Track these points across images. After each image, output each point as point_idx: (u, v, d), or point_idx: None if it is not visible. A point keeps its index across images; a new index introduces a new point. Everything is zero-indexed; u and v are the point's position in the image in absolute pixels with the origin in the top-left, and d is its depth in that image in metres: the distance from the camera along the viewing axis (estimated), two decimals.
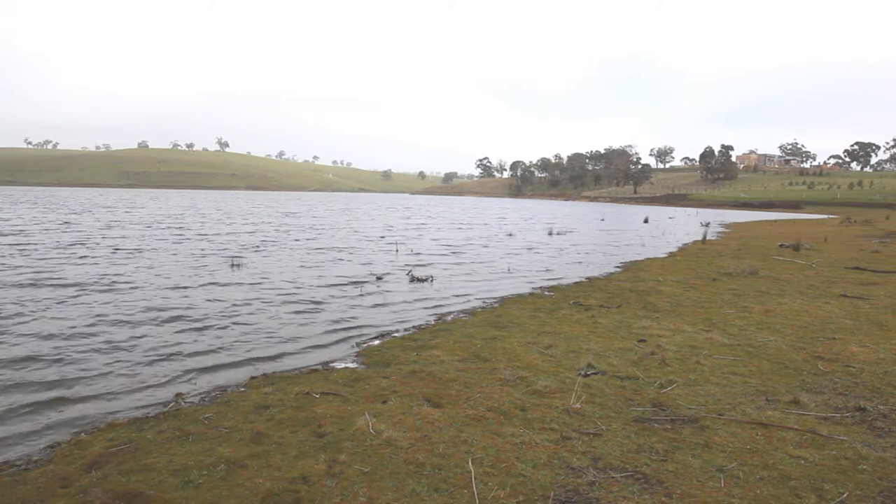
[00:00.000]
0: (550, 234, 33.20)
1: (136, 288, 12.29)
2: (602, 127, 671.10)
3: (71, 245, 19.95)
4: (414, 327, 9.55)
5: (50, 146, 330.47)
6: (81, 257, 16.83)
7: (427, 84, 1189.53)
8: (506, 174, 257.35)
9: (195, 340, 8.43)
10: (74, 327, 8.90)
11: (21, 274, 13.54)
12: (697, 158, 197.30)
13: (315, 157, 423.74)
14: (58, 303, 10.56)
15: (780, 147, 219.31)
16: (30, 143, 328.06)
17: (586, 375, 6.57)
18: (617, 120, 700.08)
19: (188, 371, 7.10)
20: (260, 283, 13.39)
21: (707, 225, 44.12)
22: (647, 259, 20.73)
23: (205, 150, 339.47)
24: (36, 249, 18.30)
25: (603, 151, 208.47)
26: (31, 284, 12.27)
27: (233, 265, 15.99)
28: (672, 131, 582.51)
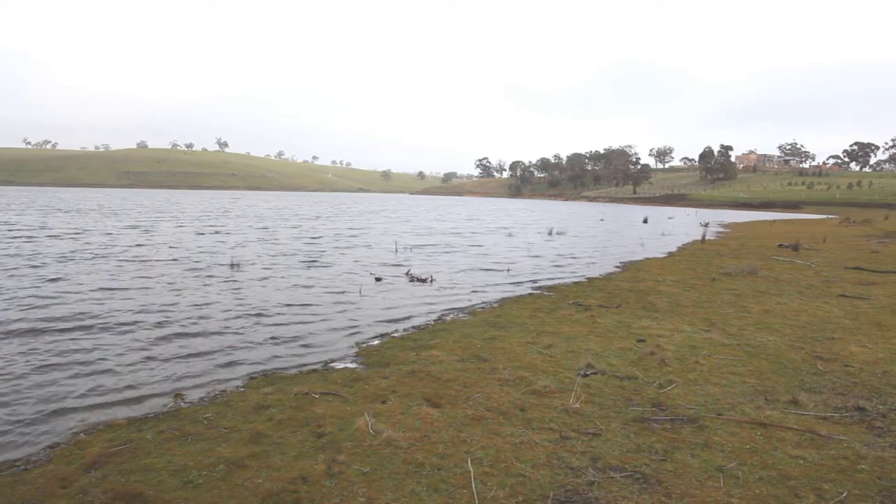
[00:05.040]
0: (550, 233, 33.19)
1: (136, 288, 12.29)
2: (603, 127, 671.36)
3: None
4: (413, 327, 9.55)
5: (49, 146, 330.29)
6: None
7: (426, 84, 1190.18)
8: (505, 174, 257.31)
9: (195, 341, 8.43)
10: (70, 326, 8.91)
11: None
12: (697, 158, 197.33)
13: (314, 157, 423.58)
14: (56, 300, 10.57)
15: (779, 147, 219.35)
16: (29, 142, 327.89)
17: (585, 375, 6.58)
18: (617, 120, 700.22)
19: (188, 371, 7.10)
20: (261, 285, 13.38)
21: (706, 225, 44.11)
22: (647, 259, 20.74)
23: (204, 150, 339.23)
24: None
25: (602, 151, 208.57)
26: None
27: (232, 266, 15.98)
28: (672, 131, 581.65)
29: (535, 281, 15.01)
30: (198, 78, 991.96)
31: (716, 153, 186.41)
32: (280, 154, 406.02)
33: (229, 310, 10.46)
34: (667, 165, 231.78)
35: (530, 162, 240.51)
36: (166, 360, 7.47)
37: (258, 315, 10.13)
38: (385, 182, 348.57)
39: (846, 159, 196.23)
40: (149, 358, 7.55)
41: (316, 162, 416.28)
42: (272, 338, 8.73)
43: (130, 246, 20.45)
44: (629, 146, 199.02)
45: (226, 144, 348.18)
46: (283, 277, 14.41)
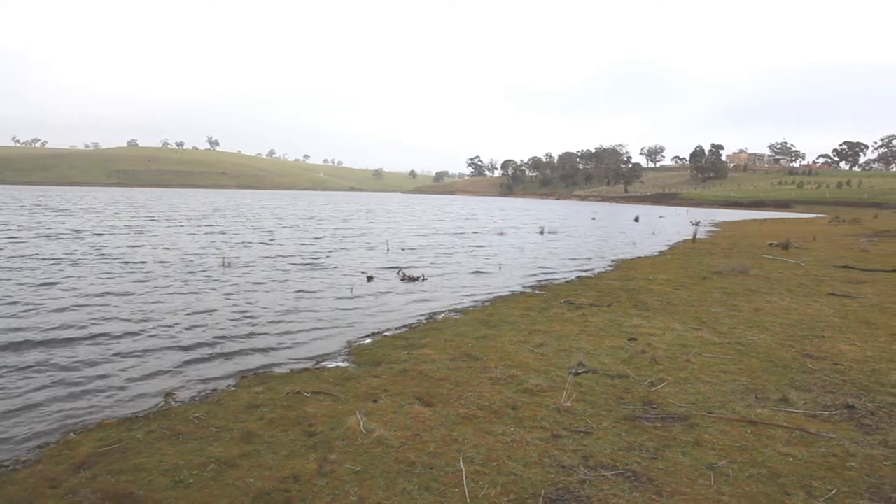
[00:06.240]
0: (542, 232, 33.26)
1: (126, 288, 12.22)
2: (602, 127, 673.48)
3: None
4: (405, 326, 9.53)
5: (38, 144, 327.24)
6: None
7: (424, 84, 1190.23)
8: (497, 173, 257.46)
9: (185, 340, 8.38)
10: (60, 325, 8.85)
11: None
12: (688, 157, 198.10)
13: (306, 156, 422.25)
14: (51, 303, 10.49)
15: (769, 146, 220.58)
16: (17, 141, 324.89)
17: (577, 374, 6.59)
18: (617, 120, 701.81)
19: (178, 370, 7.06)
20: (252, 285, 13.33)
21: (697, 224, 44.35)
22: (638, 258, 20.80)
23: (195, 148, 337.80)
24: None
25: (594, 150, 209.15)
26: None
27: (223, 266, 15.91)
28: (671, 131, 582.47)
29: (526, 280, 15.03)
30: (189, 76, 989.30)
31: (706, 152, 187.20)
32: (272, 153, 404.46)
33: (220, 309, 10.42)
34: (658, 164, 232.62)
35: (522, 161, 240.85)
36: (157, 360, 7.43)
37: (249, 314, 10.09)
38: (377, 181, 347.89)
39: (836, 158, 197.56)
40: (139, 357, 7.51)
41: (308, 161, 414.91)
42: (263, 337, 8.70)
43: (121, 247, 20.34)
44: (620, 145, 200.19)
45: (217, 143, 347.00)
46: (274, 277, 14.36)
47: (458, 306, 11.27)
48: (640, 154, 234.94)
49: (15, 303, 10.33)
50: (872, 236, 30.55)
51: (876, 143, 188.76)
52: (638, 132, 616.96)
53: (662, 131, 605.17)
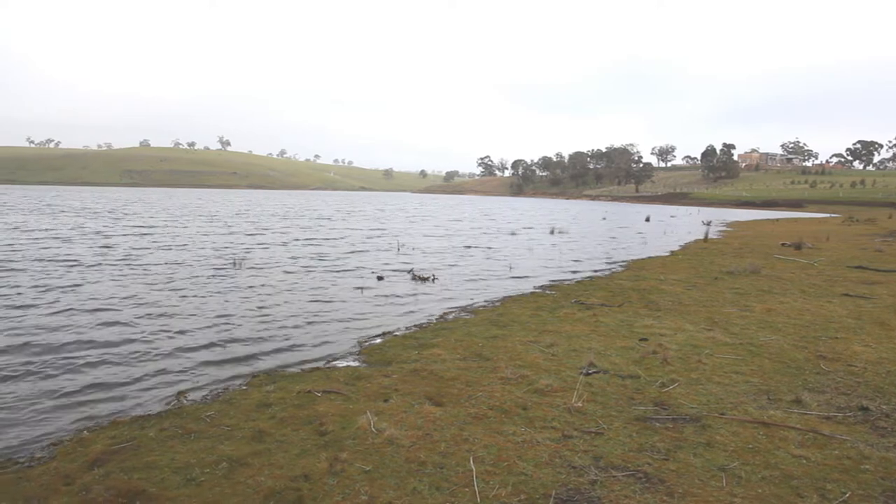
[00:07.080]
0: (552, 232, 33.17)
1: (138, 288, 12.31)
2: (604, 125, 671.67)
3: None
4: (415, 326, 9.54)
5: (52, 145, 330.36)
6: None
7: (428, 84, 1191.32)
8: (507, 173, 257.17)
9: (197, 339, 8.44)
10: (75, 325, 8.92)
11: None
12: (699, 157, 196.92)
13: (316, 156, 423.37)
14: (60, 296, 10.59)
15: (781, 146, 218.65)
16: (32, 141, 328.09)
17: (588, 374, 6.57)
18: (620, 118, 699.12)
19: (191, 369, 7.11)
20: (263, 285, 13.39)
21: (709, 223, 44.07)
22: (649, 258, 20.70)
23: (206, 148, 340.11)
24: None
25: (604, 150, 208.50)
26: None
27: (235, 265, 16.00)
28: (675, 130, 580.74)
29: (536, 279, 15.00)
30: (200, 77, 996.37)
31: (718, 152, 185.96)
32: (282, 153, 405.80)
33: (232, 309, 10.48)
34: (669, 164, 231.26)
35: (532, 161, 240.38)
36: (169, 359, 7.48)
37: (261, 314, 10.13)
38: (387, 181, 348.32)
39: (849, 158, 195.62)
40: (151, 357, 7.56)
41: (318, 161, 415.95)
42: (274, 336, 8.74)
43: (136, 247, 20.51)
44: (631, 145, 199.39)
45: (228, 143, 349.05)
46: (285, 277, 14.42)
47: (469, 306, 11.26)
48: (651, 154, 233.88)
49: (31, 305, 10.43)
50: (887, 236, 30.22)
51: (891, 141, 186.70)
52: (641, 130, 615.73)
53: (670, 130, 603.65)
